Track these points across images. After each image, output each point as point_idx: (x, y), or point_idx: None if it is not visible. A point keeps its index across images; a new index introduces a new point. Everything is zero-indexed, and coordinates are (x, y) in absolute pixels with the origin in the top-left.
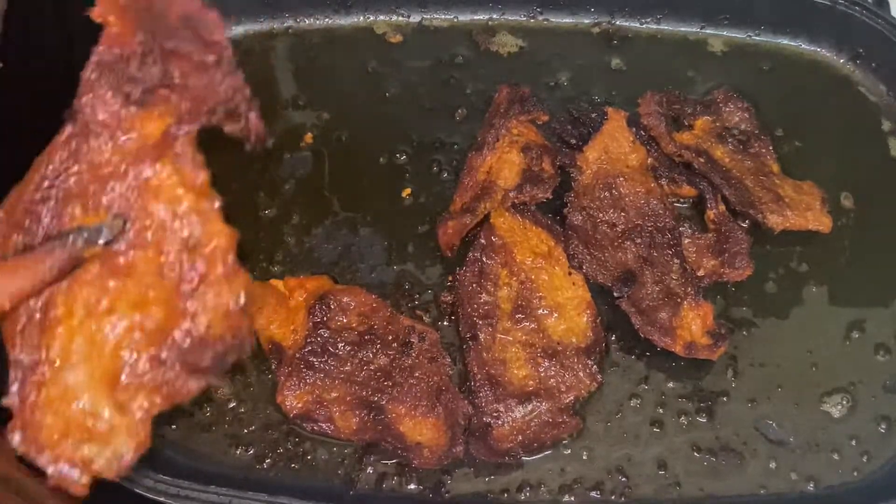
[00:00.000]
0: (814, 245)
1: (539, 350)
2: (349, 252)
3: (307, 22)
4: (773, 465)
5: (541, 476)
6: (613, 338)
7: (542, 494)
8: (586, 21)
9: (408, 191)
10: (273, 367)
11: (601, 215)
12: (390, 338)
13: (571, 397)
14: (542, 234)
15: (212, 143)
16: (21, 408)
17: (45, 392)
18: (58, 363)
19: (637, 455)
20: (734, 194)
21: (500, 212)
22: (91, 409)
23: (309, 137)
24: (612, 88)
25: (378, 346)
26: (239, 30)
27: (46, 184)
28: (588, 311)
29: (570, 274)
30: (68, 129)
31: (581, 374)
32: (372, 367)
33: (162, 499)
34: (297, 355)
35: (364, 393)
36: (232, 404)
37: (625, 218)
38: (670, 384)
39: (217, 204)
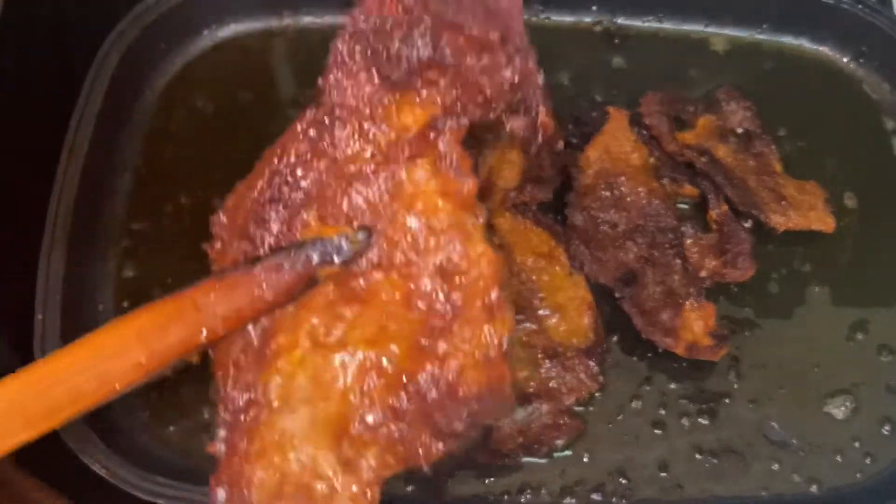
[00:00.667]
0: (817, 245)
1: (540, 351)
2: None
3: (307, 20)
4: (775, 466)
5: (541, 478)
6: (615, 339)
7: (543, 497)
8: (588, 20)
9: None
10: None
11: (602, 215)
12: None
13: (572, 399)
14: (542, 234)
15: (213, 140)
16: (229, 457)
17: (258, 439)
18: (276, 404)
19: (638, 457)
20: (736, 194)
21: (500, 212)
22: (311, 464)
23: None
24: (613, 87)
25: None
26: (238, 28)
27: (278, 181)
28: (589, 312)
29: (570, 274)
30: (309, 115)
31: (582, 375)
32: None
33: (161, 501)
34: None
35: None
36: None
37: (626, 218)
38: (672, 385)
39: (482, 220)
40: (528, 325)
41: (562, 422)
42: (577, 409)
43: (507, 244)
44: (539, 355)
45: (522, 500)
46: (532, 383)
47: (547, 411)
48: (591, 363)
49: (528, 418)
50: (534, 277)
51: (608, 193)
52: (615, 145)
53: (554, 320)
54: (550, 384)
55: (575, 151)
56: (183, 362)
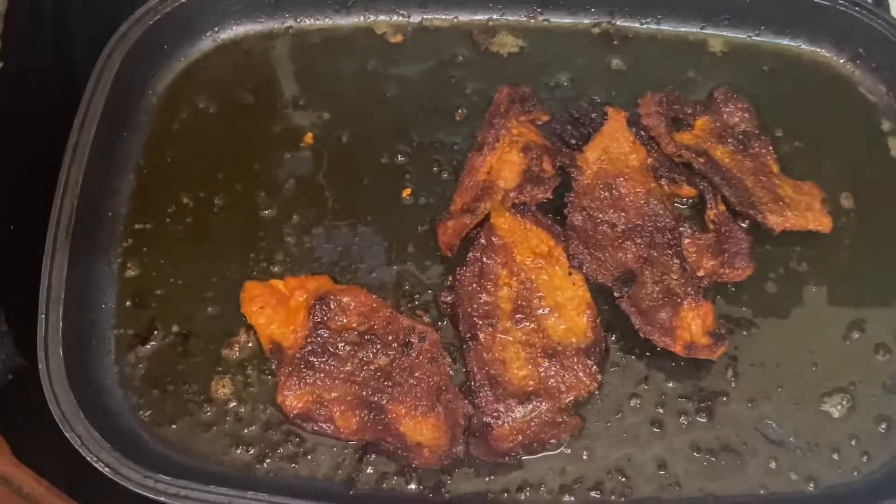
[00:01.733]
0: (814, 245)
1: (539, 350)
2: (349, 252)
3: (307, 22)
4: (773, 465)
5: (541, 476)
6: (613, 338)
7: (543, 494)
8: (586, 21)
9: (408, 191)
10: (273, 367)
11: (601, 215)
12: (390, 338)
13: (571, 397)
14: (542, 234)
15: (214, 141)
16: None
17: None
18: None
19: (637, 455)
20: (734, 194)
21: (500, 212)
22: None
23: (309, 137)
24: (612, 88)
25: (378, 346)
26: (239, 30)
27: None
28: (588, 311)
29: (570, 274)
30: None
31: (581, 374)
32: (372, 367)
33: (162, 499)
34: (298, 355)
35: (364, 393)
36: (232, 404)
37: (625, 218)
38: (670, 384)
39: None
40: (527, 324)
41: (560, 420)
42: (575, 407)
43: (507, 244)
44: (538, 354)
45: (522, 498)
46: (531, 382)
47: (546, 409)
48: (590, 362)
49: (527, 416)
50: (533, 277)
51: (607, 194)
52: (614, 146)
53: (553, 319)
54: (549, 383)
55: (574, 152)
56: None
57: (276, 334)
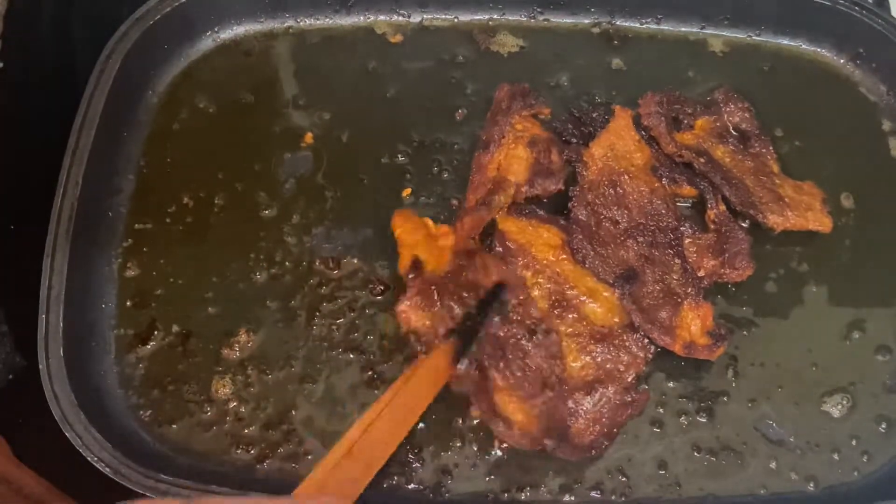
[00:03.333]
0: (814, 245)
1: (587, 338)
2: (349, 252)
3: (307, 22)
4: (773, 464)
5: (541, 476)
6: None
7: (543, 494)
8: (586, 21)
9: (408, 191)
10: (400, 273)
11: (605, 212)
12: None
13: (632, 373)
14: (551, 228)
15: (214, 141)
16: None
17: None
18: None
19: (637, 455)
20: (734, 194)
21: (504, 217)
22: None
23: (309, 137)
24: (612, 88)
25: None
26: (239, 30)
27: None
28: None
29: None
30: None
31: (634, 348)
32: (490, 331)
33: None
34: (432, 280)
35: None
36: (232, 404)
37: (628, 216)
38: (670, 384)
39: None
40: (567, 315)
41: (630, 398)
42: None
43: (522, 245)
44: (588, 342)
45: (522, 498)
46: (589, 371)
47: (613, 392)
48: (637, 335)
49: (596, 405)
50: (558, 270)
51: (611, 191)
52: (620, 143)
53: (590, 305)
54: (608, 366)
55: (580, 146)
56: None
57: (422, 253)
